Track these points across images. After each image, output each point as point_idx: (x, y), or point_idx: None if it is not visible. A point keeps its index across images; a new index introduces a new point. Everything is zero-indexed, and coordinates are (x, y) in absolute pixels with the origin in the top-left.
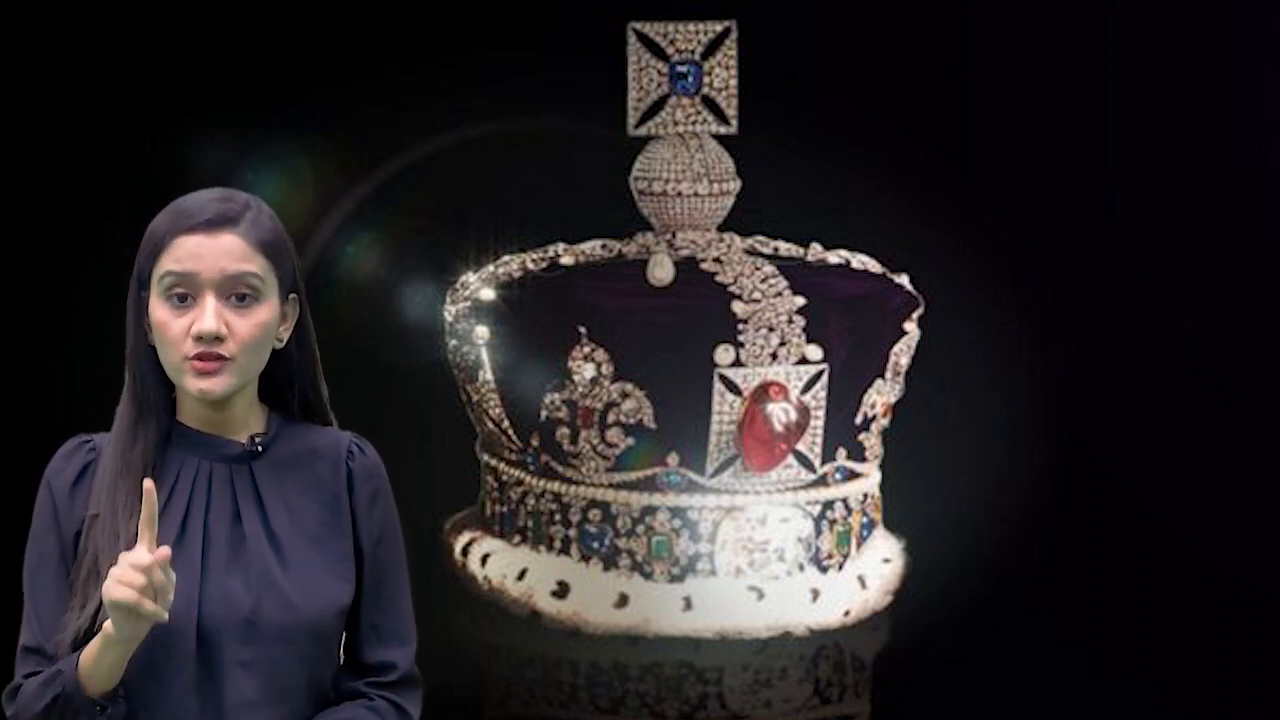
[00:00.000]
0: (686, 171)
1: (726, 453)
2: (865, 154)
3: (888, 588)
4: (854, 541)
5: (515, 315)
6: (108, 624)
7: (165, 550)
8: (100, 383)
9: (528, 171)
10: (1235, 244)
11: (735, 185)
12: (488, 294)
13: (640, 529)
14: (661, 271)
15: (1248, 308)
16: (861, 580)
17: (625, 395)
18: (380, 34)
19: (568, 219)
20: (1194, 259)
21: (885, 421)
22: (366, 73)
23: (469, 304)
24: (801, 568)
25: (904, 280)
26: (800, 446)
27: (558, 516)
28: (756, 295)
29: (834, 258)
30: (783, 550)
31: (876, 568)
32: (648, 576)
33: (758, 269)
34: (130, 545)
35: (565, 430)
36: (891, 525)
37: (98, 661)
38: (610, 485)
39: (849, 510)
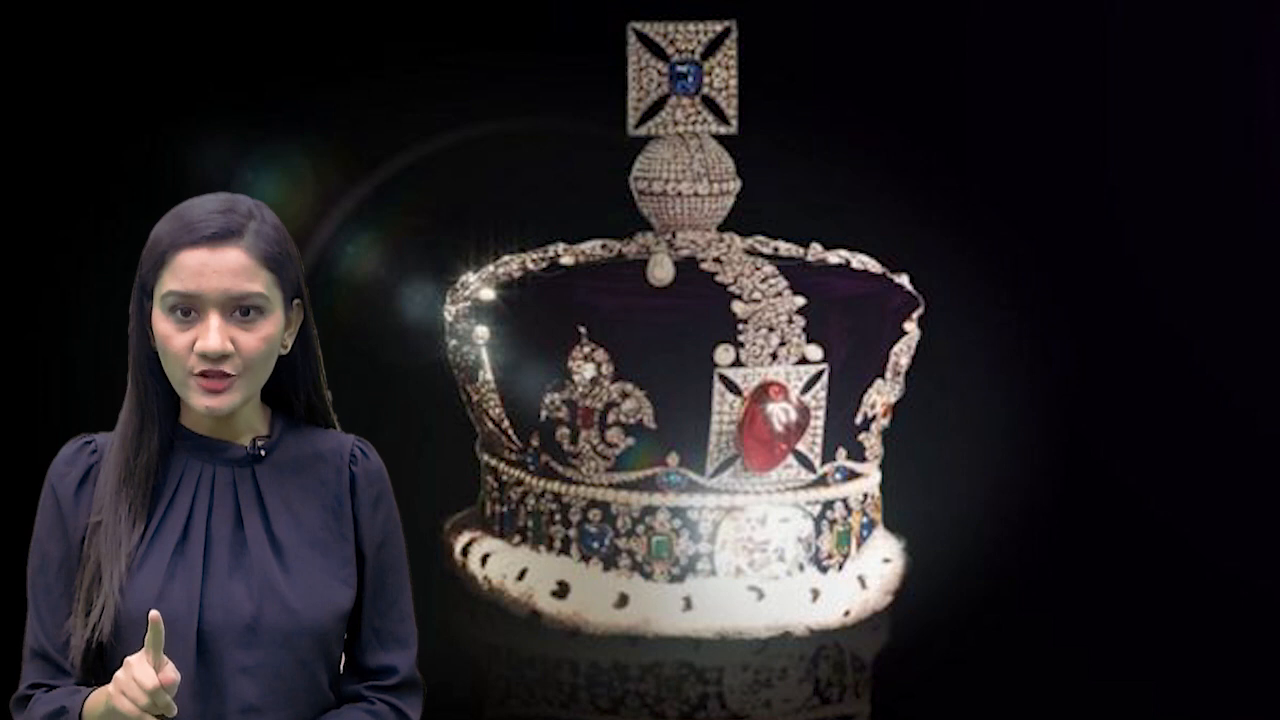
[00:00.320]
0: (686, 171)
1: (726, 453)
2: (865, 154)
3: (888, 588)
4: (854, 541)
5: (515, 315)
6: (113, 695)
7: (172, 675)
8: (100, 383)
9: (528, 171)
10: (1235, 244)
11: (735, 185)
12: (488, 294)
13: (640, 529)
14: (661, 271)
15: (1248, 308)
16: (861, 580)
17: (625, 395)
18: (380, 34)
19: (568, 219)
20: (1194, 259)
21: (885, 421)
22: (366, 73)
23: (469, 304)
24: (801, 568)
25: (904, 280)
26: (800, 446)
27: (558, 516)
28: (756, 295)
29: (834, 258)
30: (783, 550)
31: (876, 568)
32: (648, 576)
33: (758, 269)
34: (132, 555)
35: (565, 430)
36: (891, 525)
37: (101, 719)
38: (610, 485)
39: (849, 510)
